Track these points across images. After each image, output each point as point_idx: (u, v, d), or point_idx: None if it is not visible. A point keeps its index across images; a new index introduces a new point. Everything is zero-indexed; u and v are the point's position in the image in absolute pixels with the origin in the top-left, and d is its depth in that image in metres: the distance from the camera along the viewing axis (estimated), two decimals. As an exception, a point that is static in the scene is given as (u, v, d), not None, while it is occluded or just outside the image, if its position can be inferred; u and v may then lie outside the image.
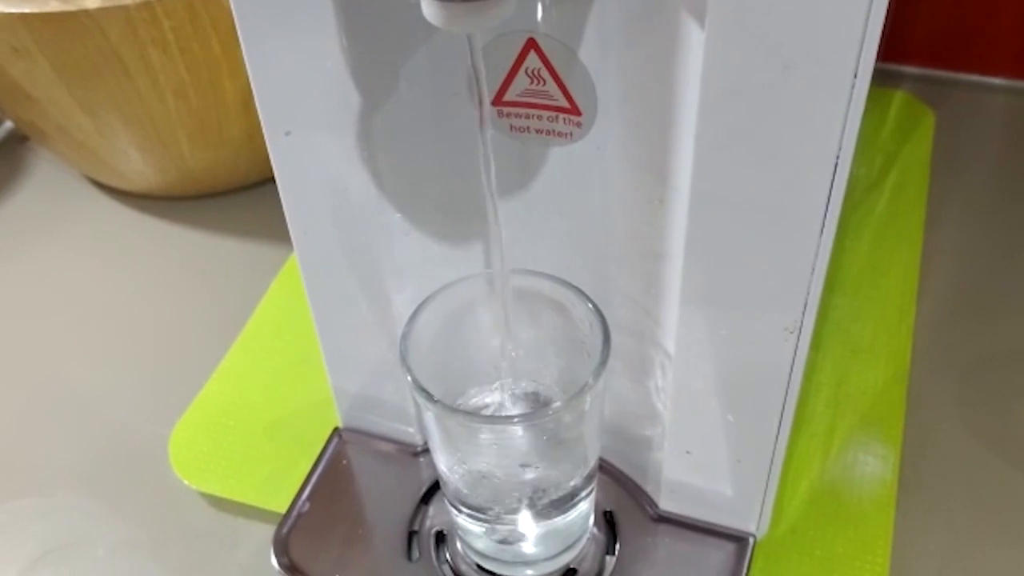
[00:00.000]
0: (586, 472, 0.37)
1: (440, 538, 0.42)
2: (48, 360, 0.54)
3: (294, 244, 0.38)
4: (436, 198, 0.37)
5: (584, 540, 0.40)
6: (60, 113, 0.55)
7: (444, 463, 0.36)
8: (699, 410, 0.36)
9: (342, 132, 0.34)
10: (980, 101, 0.67)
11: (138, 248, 0.62)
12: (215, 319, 0.55)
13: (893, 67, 0.68)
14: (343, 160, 0.34)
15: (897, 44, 0.67)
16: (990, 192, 0.60)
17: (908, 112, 0.65)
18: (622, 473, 0.43)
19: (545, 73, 0.32)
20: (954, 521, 0.43)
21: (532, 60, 0.32)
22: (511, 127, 0.34)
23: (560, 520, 0.38)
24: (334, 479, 0.44)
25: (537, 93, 0.33)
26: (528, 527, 0.38)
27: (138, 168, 0.59)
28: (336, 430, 0.46)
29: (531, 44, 0.31)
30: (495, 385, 0.39)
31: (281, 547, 0.41)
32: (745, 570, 0.39)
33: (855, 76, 0.26)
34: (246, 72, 0.33)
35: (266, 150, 0.35)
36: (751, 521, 0.40)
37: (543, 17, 0.31)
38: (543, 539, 0.39)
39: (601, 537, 0.41)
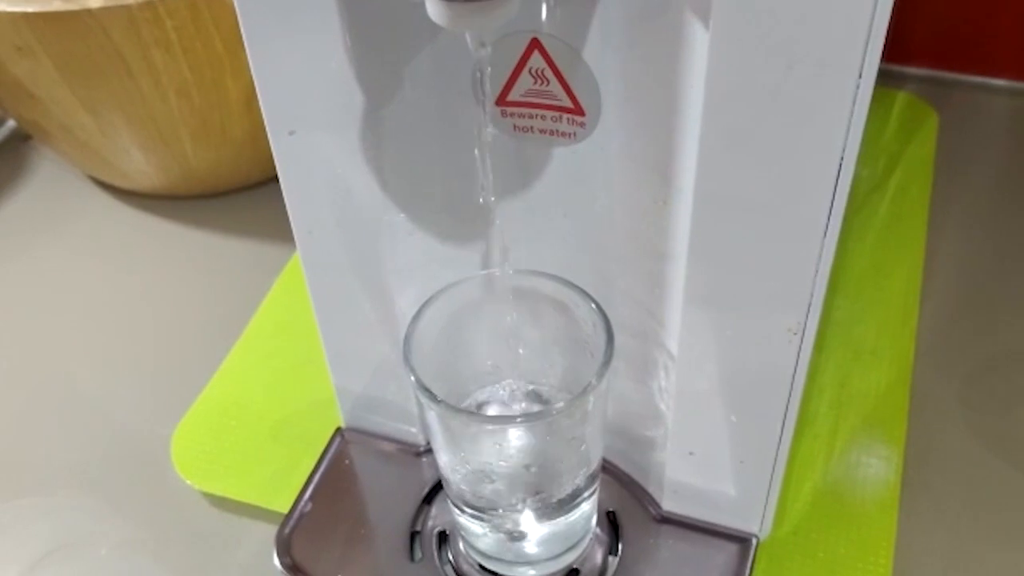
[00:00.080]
0: (589, 472, 0.37)
1: (442, 538, 0.42)
2: (50, 359, 0.54)
3: (297, 244, 0.38)
4: (439, 198, 0.37)
5: (587, 540, 0.40)
6: (63, 112, 0.55)
7: (447, 463, 0.36)
8: (702, 411, 0.36)
9: (346, 132, 0.34)
10: (983, 102, 0.67)
11: (140, 247, 0.62)
12: (217, 318, 0.55)
13: (896, 68, 0.68)
14: (347, 160, 0.34)
15: (900, 45, 0.67)
16: (993, 193, 0.60)
17: (911, 113, 0.65)
18: (625, 473, 0.43)
19: (549, 73, 0.32)
20: (957, 523, 0.43)
21: (536, 60, 0.32)
22: (515, 127, 0.34)
23: (563, 520, 0.38)
24: (336, 479, 0.44)
25: (541, 93, 0.33)
26: (531, 527, 0.38)
27: (141, 167, 0.59)
28: (338, 430, 0.46)
29: (535, 44, 0.31)
30: (498, 385, 0.39)
31: (283, 547, 0.41)
32: (748, 571, 0.39)
33: (860, 77, 0.26)
34: (249, 72, 0.33)
35: (269, 150, 0.35)
36: (754, 522, 0.40)
37: (547, 17, 0.31)
38: (546, 539, 0.39)
39: (604, 537, 0.41)
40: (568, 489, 0.37)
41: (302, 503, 0.43)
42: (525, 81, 0.32)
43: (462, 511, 0.38)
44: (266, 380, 0.51)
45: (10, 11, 0.48)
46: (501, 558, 0.39)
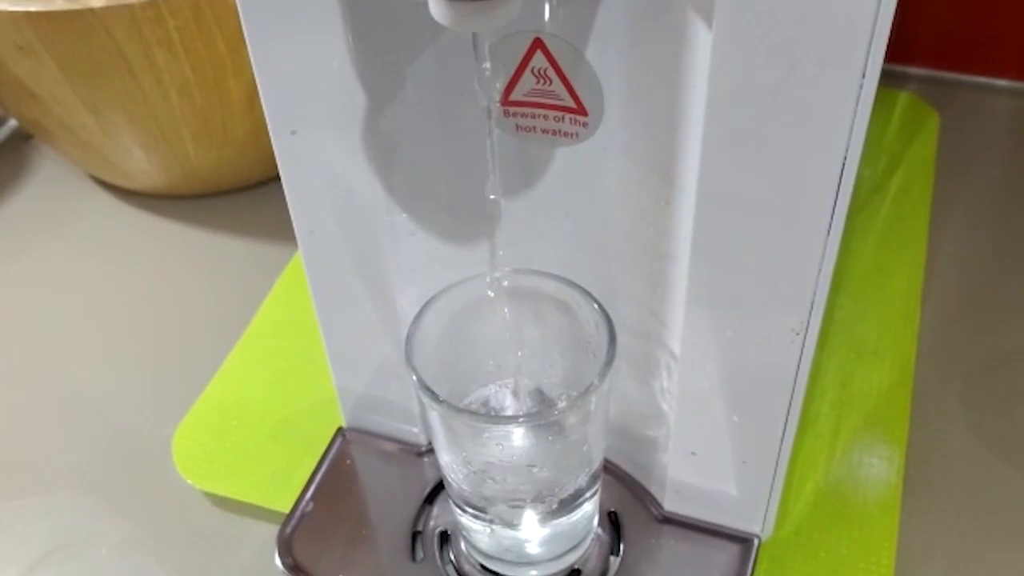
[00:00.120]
0: (591, 472, 0.37)
1: (444, 538, 0.42)
2: (51, 359, 0.54)
3: (299, 243, 0.38)
4: (441, 198, 0.37)
5: (588, 541, 0.40)
6: (64, 111, 0.55)
7: (448, 463, 0.36)
8: (704, 411, 0.36)
9: (348, 132, 0.34)
10: (985, 103, 0.67)
11: (142, 247, 0.62)
12: (219, 318, 0.55)
13: (898, 68, 0.68)
14: (349, 160, 0.34)
15: (902, 45, 0.67)
16: (995, 194, 0.60)
17: (913, 113, 0.65)
18: (627, 474, 0.43)
19: (552, 73, 0.32)
20: (959, 523, 0.43)
21: (539, 60, 0.32)
22: (517, 127, 0.34)
23: (565, 520, 0.38)
24: (338, 479, 0.44)
25: (543, 93, 0.33)
26: (532, 527, 0.38)
27: (142, 167, 0.59)
28: (340, 430, 0.46)
29: (538, 44, 0.31)
30: (500, 385, 0.39)
31: (285, 547, 0.41)
32: (750, 571, 0.39)
33: (863, 77, 0.26)
34: (251, 71, 0.33)
35: (270, 149, 0.35)
36: (756, 522, 0.40)
37: (550, 17, 0.31)
38: (547, 540, 0.39)
39: (605, 538, 0.41)
40: (570, 489, 0.37)
41: (303, 503, 0.43)
42: (528, 81, 0.32)
43: (464, 511, 0.38)
44: (267, 380, 0.51)
45: (12, 10, 0.48)
46: (503, 558, 0.39)
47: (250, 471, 0.46)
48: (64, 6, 0.48)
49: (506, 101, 0.33)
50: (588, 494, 0.38)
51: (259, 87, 0.33)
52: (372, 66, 0.32)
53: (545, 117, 0.33)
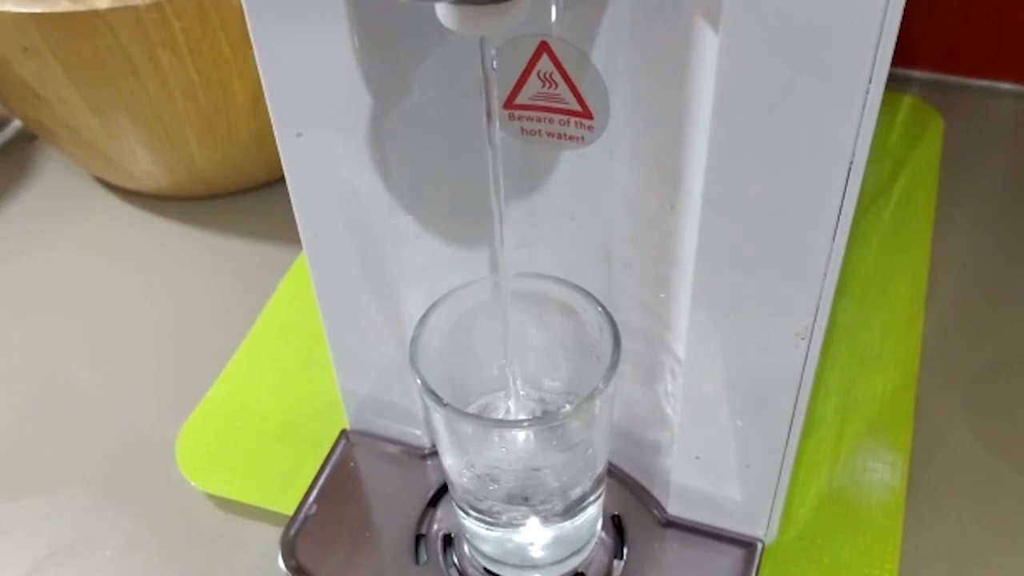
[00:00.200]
0: (595, 476, 0.37)
1: (448, 541, 0.42)
2: (55, 359, 0.54)
3: (304, 245, 0.38)
4: (447, 201, 0.37)
5: (592, 544, 0.40)
6: (69, 112, 0.55)
7: (452, 466, 0.36)
8: (709, 415, 0.36)
9: (353, 134, 0.34)
10: (989, 106, 0.67)
11: (145, 248, 0.62)
12: (223, 320, 0.55)
13: (902, 71, 0.68)
14: (354, 162, 0.34)
15: (906, 48, 0.67)
16: (999, 197, 0.60)
17: (916, 117, 0.65)
18: (630, 477, 0.43)
19: (557, 76, 0.32)
20: (963, 527, 0.43)
21: (544, 63, 0.32)
22: (522, 130, 0.34)
23: (568, 524, 0.38)
24: (341, 481, 0.44)
25: (549, 96, 0.33)
26: (536, 531, 0.38)
27: (146, 168, 0.59)
28: (343, 432, 0.46)
29: (543, 47, 0.31)
30: (504, 388, 0.39)
31: (288, 549, 0.41)
32: (753, 576, 0.39)
33: (870, 81, 0.26)
34: (255, 73, 0.33)
35: (275, 151, 0.35)
36: (759, 527, 0.40)
37: (556, 20, 0.31)
38: (551, 543, 0.39)
39: (609, 541, 0.41)
40: (574, 493, 0.37)
41: (307, 505, 0.43)
42: (533, 84, 0.32)
43: (467, 514, 0.38)
44: (271, 382, 0.51)
45: (17, 12, 0.48)
46: (506, 562, 0.39)
47: (253, 473, 0.46)
48: (69, 7, 0.48)
49: (511, 105, 0.33)
50: (592, 498, 0.37)
51: (264, 89, 0.33)
52: (378, 68, 0.32)
53: (550, 121, 0.33)
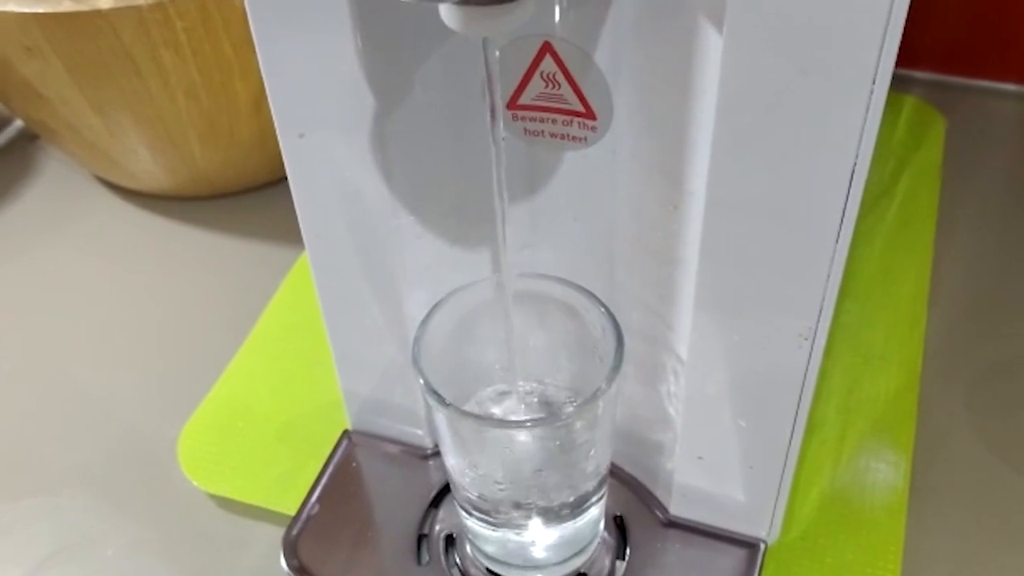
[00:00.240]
0: (598, 477, 0.37)
1: (450, 541, 0.42)
2: (57, 359, 0.54)
3: (306, 246, 0.38)
4: (449, 201, 0.37)
5: (594, 545, 0.40)
6: (71, 112, 0.55)
7: (455, 466, 0.36)
8: (711, 415, 0.36)
9: (356, 134, 0.34)
10: (991, 107, 0.67)
11: (147, 248, 0.62)
12: (224, 320, 0.55)
13: (904, 72, 0.68)
14: (356, 162, 0.34)
15: (908, 49, 0.67)
16: (1002, 198, 0.60)
17: (919, 118, 0.65)
18: (633, 478, 0.43)
19: (560, 77, 0.32)
20: (965, 528, 0.43)
21: (547, 64, 0.32)
22: (525, 131, 0.34)
23: (571, 525, 0.38)
24: (343, 481, 0.44)
25: (552, 97, 0.33)
26: (538, 531, 0.38)
27: (148, 168, 0.59)
28: (345, 432, 0.46)
29: (546, 48, 0.31)
30: (506, 389, 0.39)
31: (290, 549, 0.41)
32: (756, 576, 0.39)
33: (873, 83, 0.26)
34: (257, 74, 0.33)
35: (276, 151, 0.35)
36: (762, 527, 0.40)
37: (559, 21, 0.31)
38: (553, 544, 0.39)
39: (611, 542, 0.41)
40: (576, 493, 0.37)
41: (309, 505, 0.43)
42: (536, 85, 0.32)
43: (470, 514, 0.38)
44: (273, 382, 0.51)
45: (20, 11, 0.48)
46: (509, 562, 0.39)
47: (255, 473, 0.46)
48: (71, 7, 0.48)
49: (514, 105, 0.33)
50: (594, 498, 0.37)
51: (267, 89, 0.33)
52: (381, 69, 0.32)
53: (553, 121, 0.33)
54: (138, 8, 0.48)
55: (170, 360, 0.54)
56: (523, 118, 0.34)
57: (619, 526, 0.42)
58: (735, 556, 0.40)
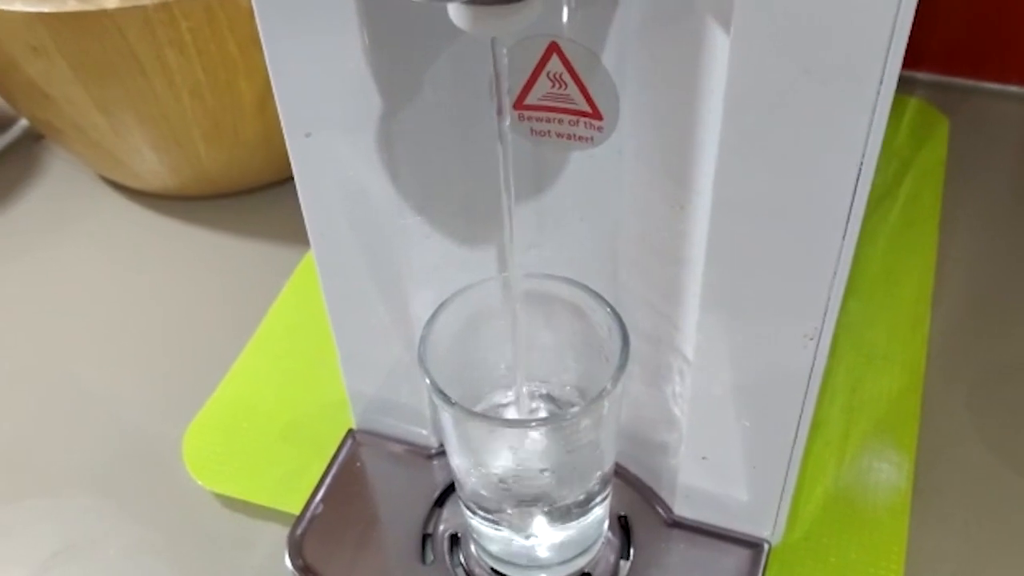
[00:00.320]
0: (602, 477, 0.37)
1: (454, 541, 0.42)
2: (61, 359, 0.54)
3: (312, 245, 0.38)
4: (456, 201, 0.37)
5: (599, 544, 0.40)
6: (76, 112, 0.55)
7: (460, 466, 0.36)
8: (716, 415, 0.36)
9: (362, 134, 0.34)
10: (995, 108, 0.67)
11: (151, 248, 0.62)
12: (229, 319, 0.55)
13: (908, 73, 0.68)
14: (363, 162, 0.34)
15: (912, 50, 0.67)
16: (1005, 199, 0.60)
17: (922, 119, 0.65)
18: (637, 478, 0.43)
19: (567, 77, 0.32)
20: (968, 529, 0.43)
21: (554, 64, 0.32)
22: (532, 131, 0.34)
23: (575, 524, 0.38)
24: (348, 481, 0.44)
25: (559, 97, 0.33)
26: (543, 531, 0.38)
27: (153, 168, 0.59)
28: (350, 431, 0.46)
29: (553, 48, 0.31)
30: (512, 388, 0.39)
31: (295, 549, 0.41)
32: (760, 576, 0.39)
33: (880, 83, 0.26)
34: (262, 73, 0.33)
35: (281, 151, 0.35)
36: (766, 527, 0.40)
37: (566, 21, 0.31)
38: (558, 543, 0.39)
39: (615, 541, 0.41)
40: (581, 493, 0.37)
41: (314, 505, 0.43)
42: (543, 85, 0.32)
43: (474, 514, 0.38)
44: (277, 381, 0.51)
45: (26, 11, 0.48)
46: (513, 562, 0.39)
47: (260, 472, 0.46)
48: (77, 7, 0.48)
49: (521, 105, 0.33)
50: (599, 498, 0.38)
51: (274, 89, 0.33)
52: (388, 68, 0.32)
53: (560, 121, 0.33)
54: (143, 8, 0.48)
55: (174, 360, 0.54)
56: (530, 118, 0.34)
57: (623, 526, 0.42)
58: (739, 556, 0.40)
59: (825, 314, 0.32)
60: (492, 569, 0.40)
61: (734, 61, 0.27)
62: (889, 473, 0.44)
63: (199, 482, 0.46)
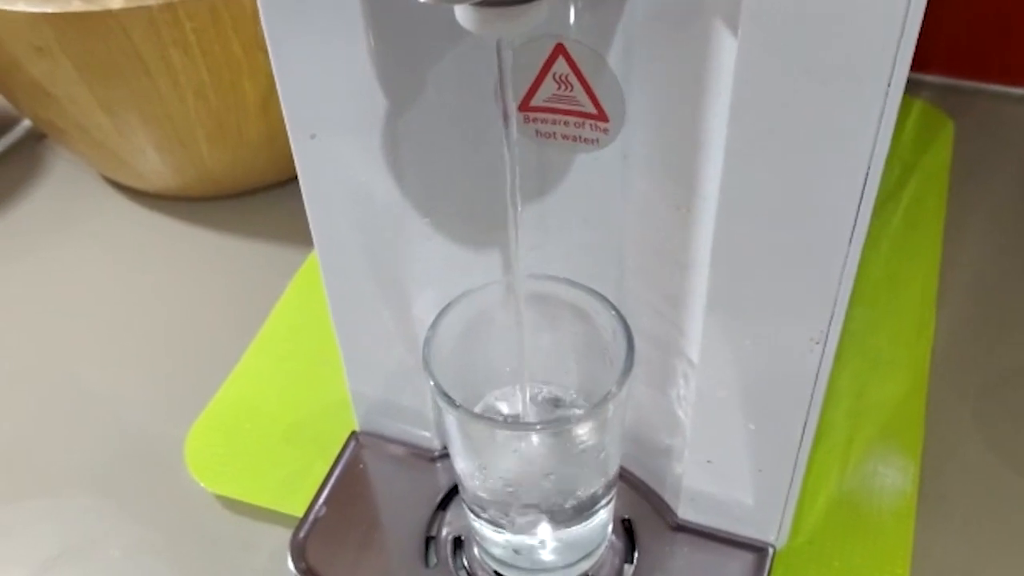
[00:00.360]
0: (606, 480, 0.37)
1: (457, 544, 0.42)
2: (63, 360, 0.54)
3: (316, 247, 0.38)
4: (460, 203, 0.37)
5: (602, 548, 0.40)
6: (80, 112, 0.55)
7: (464, 468, 0.36)
8: (721, 419, 0.36)
9: (367, 136, 0.34)
10: (1000, 111, 0.67)
11: (154, 248, 0.62)
12: (232, 320, 0.55)
13: (913, 76, 0.68)
14: (368, 164, 0.34)
15: (917, 52, 0.67)
16: (1010, 203, 0.60)
17: (927, 121, 0.65)
18: (641, 481, 0.43)
19: (573, 78, 0.32)
20: (973, 534, 0.43)
21: (560, 65, 0.32)
22: (537, 133, 0.34)
23: (579, 528, 0.38)
24: (351, 483, 0.44)
25: (564, 99, 0.32)
26: (547, 534, 0.38)
27: (156, 168, 0.59)
28: (353, 433, 0.46)
29: (559, 49, 0.31)
30: (516, 391, 0.39)
31: (298, 551, 0.41)
32: (764, 581, 0.39)
33: (888, 87, 0.26)
34: (266, 74, 0.33)
35: (285, 152, 0.35)
36: (770, 531, 0.40)
37: (572, 22, 0.31)
38: (561, 547, 0.39)
39: (619, 545, 0.41)
40: (585, 497, 0.36)
41: (316, 507, 0.43)
42: (549, 87, 0.32)
43: (478, 517, 0.38)
44: (280, 383, 0.51)
45: (30, 11, 0.48)
46: (516, 565, 0.39)
47: (262, 474, 0.46)
48: (82, 7, 0.48)
49: (526, 107, 0.33)
50: (603, 502, 0.37)
51: (279, 90, 0.33)
52: (393, 70, 0.32)
53: (565, 123, 0.33)
54: (148, 8, 0.48)
55: (177, 361, 0.53)
56: (535, 120, 0.34)
57: (627, 530, 0.42)
58: (743, 560, 0.40)
59: (832, 318, 0.31)
60: (495, 572, 0.40)
61: (741, 64, 0.26)
62: (894, 478, 0.44)
63: (201, 483, 0.46)
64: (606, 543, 0.40)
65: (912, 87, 0.67)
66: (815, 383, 0.34)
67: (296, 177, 0.36)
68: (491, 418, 0.37)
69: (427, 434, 0.44)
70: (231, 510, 0.45)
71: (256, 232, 0.61)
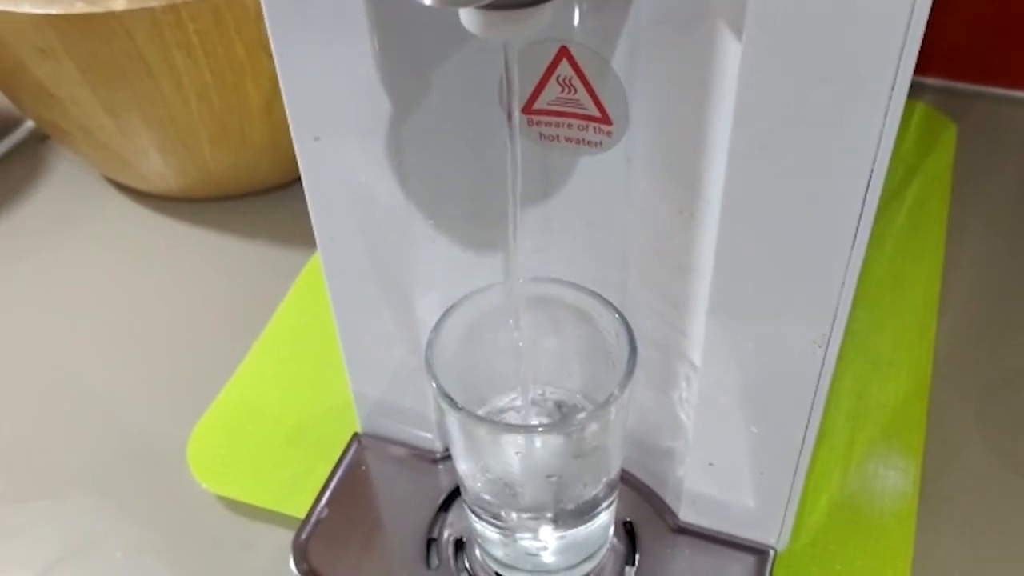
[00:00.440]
0: (608, 482, 0.37)
1: (459, 545, 0.42)
2: (66, 361, 0.54)
3: (319, 249, 0.38)
4: (464, 206, 0.37)
5: (604, 550, 0.40)
6: (83, 113, 0.55)
7: (466, 471, 0.36)
8: (723, 422, 0.36)
9: (371, 138, 0.34)
10: (1002, 114, 0.67)
11: (157, 250, 0.62)
12: (234, 322, 0.55)
13: (915, 79, 0.68)
14: (371, 166, 0.34)
15: (920, 55, 0.67)
16: (1012, 206, 0.60)
17: (929, 124, 0.65)
18: (642, 483, 0.43)
19: (576, 82, 0.32)
20: (975, 535, 0.43)
21: (564, 68, 0.32)
22: (540, 135, 0.34)
23: (581, 530, 0.38)
24: (353, 484, 0.44)
25: (568, 102, 0.33)
26: (548, 536, 0.38)
27: (159, 169, 0.59)
28: (355, 435, 0.46)
29: (563, 52, 0.31)
30: (518, 393, 0.39)
31: (300, 553, 0.41)
32: (766, 583, 0.39)
33: (892, 90, 0.26)
34: (269, 76, 0.33)
35: (287, 153, 0.35)
36: (772, 534, 0.40)
37: (576, 25, 0.31)
38: (563, 548, 0.39)
39: (621, 547, 0.41)
40: (587, 499, 0.36)
41: (318, 509, 0.43)
42: (552, 89, 0.32)
43: (480, 519, 0.38)
44: (283, 384, 0.51)
45: (33, 13, 0.48)
46: (518, 567, 0.39)
47: (265, 476, 0.46)
48: (85, 9, 0.48)
49: (530, 109, 0.33)
50: (605, 504, 0.37)
51: (283, 93, 0.33)
52: (397, 72, 0.32)
53: (569, 126, 0.33)
54: (151, 10, 0.48)
55: (179, 362, 0.54)
56: (539, 123, 0.34)
57: (629, 532, 0.42)
58: (744, 563, 0.40)
59: (834, 320, 0.31)
60: (496, 574, 0.40)
61: (745, 67, 0.26)
62: (895, 479, 0.44)
63: (203, 485, 0.46)
64: (607, 545, 0.40)
65: (915, 90, 0.67)
66: (817, 385, 0.34)
67: (299, 179, 0.36)
68: (493, 420, 0.37)
69: (429, 436, 0.44)
70: (233, 511, 0.45)
71: (259, 234, 0.61)
